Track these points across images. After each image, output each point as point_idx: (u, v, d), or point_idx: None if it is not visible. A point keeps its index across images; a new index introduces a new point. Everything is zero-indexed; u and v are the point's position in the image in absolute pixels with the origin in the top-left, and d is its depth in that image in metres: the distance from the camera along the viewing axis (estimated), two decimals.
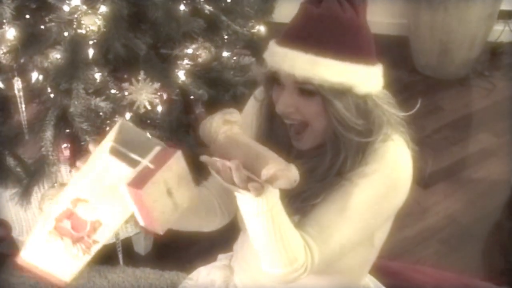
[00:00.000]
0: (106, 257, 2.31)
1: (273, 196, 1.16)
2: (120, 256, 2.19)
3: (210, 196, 1.46)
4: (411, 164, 1.30)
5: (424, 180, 1.33)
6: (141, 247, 2.46)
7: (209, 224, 1.48)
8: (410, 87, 3.77)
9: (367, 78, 1.24)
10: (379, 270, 1.62)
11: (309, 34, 1.21)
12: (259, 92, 1.43)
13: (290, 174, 1.09)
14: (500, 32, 4.00)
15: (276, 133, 1.35)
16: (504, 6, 3.84)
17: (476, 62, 3.86)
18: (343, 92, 1.20)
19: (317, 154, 1.30)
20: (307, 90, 1.22)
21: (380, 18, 4.27)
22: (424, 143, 3.18)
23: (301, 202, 1.28)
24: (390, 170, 1.25)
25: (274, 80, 1.27)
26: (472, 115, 3.53)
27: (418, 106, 1.36)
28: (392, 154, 1.26)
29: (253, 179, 1.11)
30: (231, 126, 1.16)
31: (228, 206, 1.45)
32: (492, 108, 3.55)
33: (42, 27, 1.76)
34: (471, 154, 3.17)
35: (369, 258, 1.45)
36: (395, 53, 4.06)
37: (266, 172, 1.09)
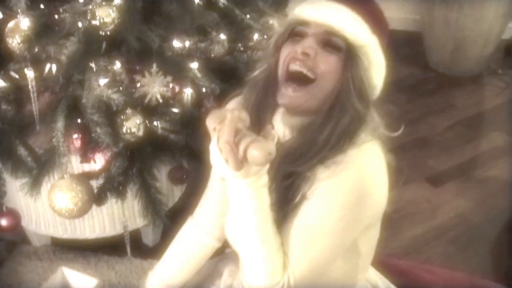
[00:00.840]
0: (114, 248, 2.32)
1: (263, 194, 1.18)
2: (128, 247, 2.20)
3: (202, 237, 1.55)
4: (384, 171, 1.27)
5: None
6: (150, 239, 2.47)
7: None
8: (422, 84, 3.76)
9: (382, 68, 1.29)
10: (388, 268, 1.62)
11: None
12: (235, 102, 1.43)
13: (265, 144, 1.10)
14: None
15: (262, 114, 1.35)
16: None
17: (489, 60, 3.83)
18: (366, 62, 1.24)
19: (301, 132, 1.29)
20: (334, 44, 1.23)
21: (393, 13, 4.24)
22: (436, 141, 3.19)
23: (289, 202, 1.26)
24: (359, 177, 1.22)
25: (290, 34, 1.27)
26: (484, 114, 3.51)
27: (400, 131, 1.35)
28: (364, 159, 1.24)
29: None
30: (237, 120, 1.15)
31: (219, 229, 1.49)
32: (505, 106, 3.54)
33: (56, 17, 1.76)
34: (483, 153, 3.15)
35: (359, 266, 1.42)
36: (408, 49, 4.05)
37: (243, 144, 1.10)
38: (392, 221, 2.65)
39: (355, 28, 1.22)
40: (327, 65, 1.23)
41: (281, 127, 1.33)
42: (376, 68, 1.28)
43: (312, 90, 1.24)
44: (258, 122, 1.32)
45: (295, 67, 1.24)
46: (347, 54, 1.23)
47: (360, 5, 1.24)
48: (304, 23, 1.25)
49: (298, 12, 1.28)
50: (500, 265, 2.40)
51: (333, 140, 1.23)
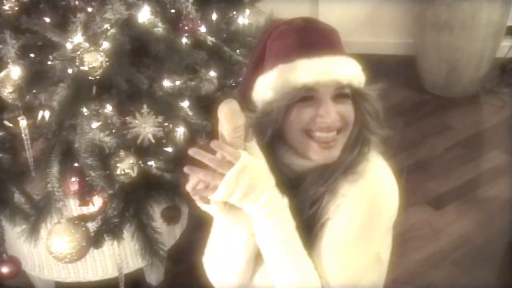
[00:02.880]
0: None
1: (285, 219, 1.23)
2: None
3: None
4: (392, 178, 1.32)
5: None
6: (153, 278, 2.47)
7: None
8: (419, 107, 3.77)
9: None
10: None
11: (328, 41, 1.26)
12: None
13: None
14: (509, 48, 3.99)
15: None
16: (511, 22, 3.84)
17: (485, 79, 3.85)
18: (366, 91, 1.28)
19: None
20: (344, 94, 1.25)
21: (387, 39, 4.30)
22: (435, 163, 3.20)
23: (316, 223, 1.29)
24: (375, 186, 1.27)
25: (297, 101, 1.24)
26: (482, 133, 3.52)
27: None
28: (377, 170, 1.29)
29: None
30: (234, 129, 1.15)
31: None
32: (503, 125, 3.55)
33: (49, 63, 1.79)
34: (483, 173, 3.15)
35: (382, 274, 1.45)
36: (403, 73, 4.08)
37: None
38: (396, 246, 2.64)
39: (356, 73, 1.26)
40: (350, 114, 1.26)
41: (299, 162, 1.32)
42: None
43: (343, 138, 1.28)
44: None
45: (329, 134, 1.24)
46: (355, 95, 1.26)
47: (340, 47, 1.27)
48: (310, 88, 1.22)
49: (302, 78, 1.21)
50: (505, 285, 2.38)
51: (354, 156, 1.29)
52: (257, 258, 1.31)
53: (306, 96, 1.23)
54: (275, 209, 1.21)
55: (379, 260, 1.37)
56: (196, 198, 1.20)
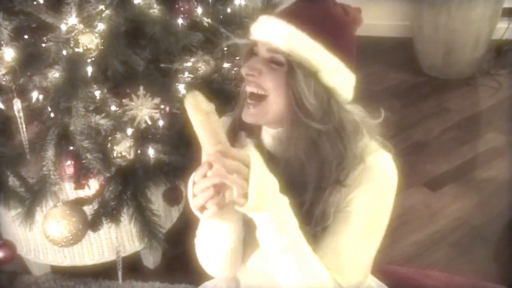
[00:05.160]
0: (115, 273, 2.32)
1: (288, 222, 1.22)
2: (120, 273, 2.15)
3: None
4: (395, 171, 1.33)
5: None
6: (150, 261, 2.46)
7: None
8: (416, 89, 3.76)
9: (335, 72, 1.25)
10: (388, 276, 1.61)
11: (297, 10, 1.26)
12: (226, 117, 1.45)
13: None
14: (505, 29, 3.99)
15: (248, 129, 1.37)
16: (507, 4, 3.83)
17: (481, 61, 3.84)
18: (308, 72, 1.22)
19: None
20: (276, 59, 1.25)
21: (383, 21, 4.27)
22: (432, 145, 3.19)
23: (314, 226, 1.29)
24: (380, 188, 1.30)
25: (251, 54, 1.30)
26: (479, 115, 3.51)
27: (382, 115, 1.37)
28: (378, 171, 1.30)
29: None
30: (206, 116, 1.17)
31: None
32: (499, 106, 3.54)
33: (43, 45, 1.77)
34: (479, 154, 3.15)
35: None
36: (400, 55, 4.07)
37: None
38: (392, 228, 2.64)
39: (293, 45, 1.22)
40: (272, 81, 1.25)
41: (269, 140, 1.35)
42: (338, 84, 1.26)
43: (266, 106, 1.27)
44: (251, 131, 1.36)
45: (249, 88, 1.28)
46: (288, 67, 1.24)
47: (312, 24, 1.23)
48: (255, 43, 1.28)
49: (251, 32, 1.30)
50: (502, 267, 2.39)
51: (335, 165, 1.27)
52: (252, 242, 1.31)
53: (254, 51, 1.29)
54: (279, 212, 1.21)
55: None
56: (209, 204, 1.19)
